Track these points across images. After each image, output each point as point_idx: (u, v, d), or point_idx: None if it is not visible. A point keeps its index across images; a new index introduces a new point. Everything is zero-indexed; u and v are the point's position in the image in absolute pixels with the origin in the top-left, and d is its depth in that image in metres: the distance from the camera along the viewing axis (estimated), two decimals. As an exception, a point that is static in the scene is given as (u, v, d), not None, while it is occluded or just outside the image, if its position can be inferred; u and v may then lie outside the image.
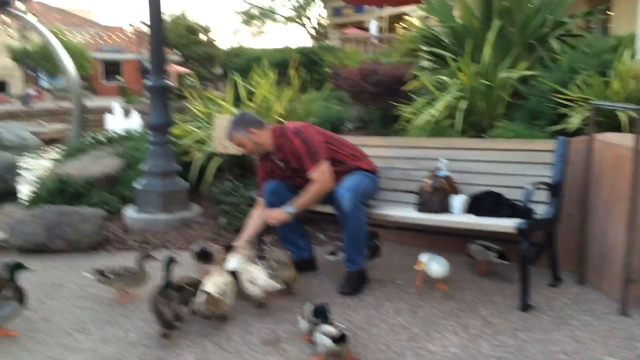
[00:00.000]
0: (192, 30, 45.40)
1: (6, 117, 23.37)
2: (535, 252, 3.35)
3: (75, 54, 34.93)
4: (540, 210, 3.31)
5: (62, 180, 5.05)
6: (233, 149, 5.05)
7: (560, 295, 3.37)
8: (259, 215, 3.66)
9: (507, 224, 3.09)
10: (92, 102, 32.12)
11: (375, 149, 4.10)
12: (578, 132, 3.99)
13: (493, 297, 3.36)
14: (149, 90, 4.89)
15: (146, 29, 36.60)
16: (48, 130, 17.32)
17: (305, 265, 3.80)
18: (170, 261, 2.99)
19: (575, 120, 3.92)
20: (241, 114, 3.66)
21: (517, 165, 3.57)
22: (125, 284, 3.33)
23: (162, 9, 4.81)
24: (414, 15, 6.85)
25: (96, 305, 3.32)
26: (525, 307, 3.14)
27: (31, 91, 31.59)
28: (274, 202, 3.62)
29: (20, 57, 31.81)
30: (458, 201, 3.49)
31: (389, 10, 19.41)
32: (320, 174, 3.41)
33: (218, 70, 35.54)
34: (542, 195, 3.35)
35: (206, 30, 45.62)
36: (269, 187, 3.65)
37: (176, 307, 2.83)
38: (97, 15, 52.53)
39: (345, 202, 3.31)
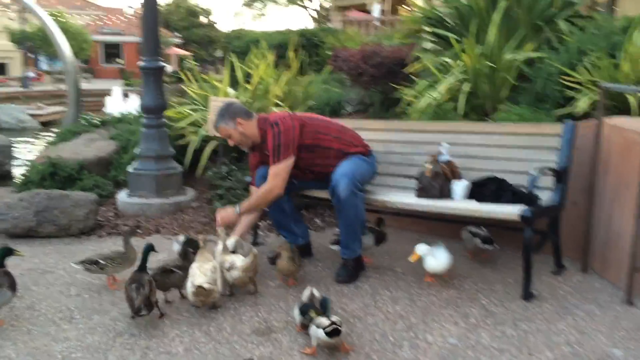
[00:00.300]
0: (193, 12, 45.13)
1: (5, 99, 23.23)
2: (538, 239, 3.22)
3: (75, 36, 34.75)
4: (545, 197, 3.18)
5: (54, 163, 4.93)
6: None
7: (563, 283, 3.26)
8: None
9: (510, 210, 2.97)
10: (92, 84, 32.06)
11: (375, 132, 3.97)
12: (585, 116, 3.85)
13: (494, 285, 3.24)
14: (142, 71, 4.74)
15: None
16: (46, 112, 17.13)
17: (301, 251, 3.68)
18: (149, 249, 2.97)
19: (583, 103, 3.78)
20: (227, 104, 3.50)
21: (521, 149, 3.43)
22: (118, 267, 3.23)
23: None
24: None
25: (84, 293, 3.22)
26: (528, 295, 3.03)
27: (30, 73, 31.36)
28: None
29: (19, 39, 31.53)
30: (459, 187, 3.36)
31: (392, -7, 19.09)
32: (273, 177, 3.29)
33: (218, 53, 35.27)
34: (547, 181, 3.23)
35: (207, 13, 45.33)
36: (260, 174, 3.53)
37: (148, 293, 2.73)
38: (99, -3, 51.89)
39: (341, 189, 3.19)
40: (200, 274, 2.85)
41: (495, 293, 3.14)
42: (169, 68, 35.25)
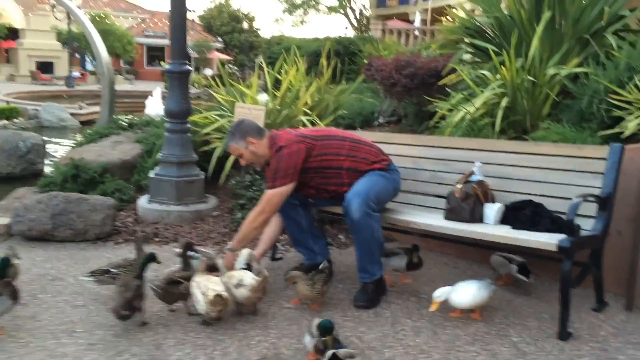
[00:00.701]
0: (235, 18, 45.61)
1: (49, 98, 23.82)
2: (578, 272, 2.94)
3: (120, 38, 35.61)
4: (586, 225, 2.90)
5: (76, 165, 4.86)
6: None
7: (604, 322, 2.96)
8: (273, 222, 3.45)
9: (548, 240, 2.70)
10: (135, 86, 32.69)
11: (403, 147, 3.75)
12: (632, 138, 3.55)
13: (527, 321, 2.97)
14: (168, 75, 4.63)
15: (189, 16, 36.91)
16: (85, 112, 17.42)
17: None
18: (150, 259, 2.89)
19: (632, 124, 3.47)
20: (239, 121, 3.31)
21: (562, 173, 3.15)
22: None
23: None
24: (458, 6, 6.39)
25: (90, 304, 3.08)
26: (565, 335, 2.74)
27: (75, 73, 32.16)
28: (284, 207, 3.33)
29: (66, 39, 32.37)
30: (492, 210, 3.11)
31: (434, 3, 18.82)
32: (265, 202, 3.12)
33: (260, 59, 35.52)
34: (589, 208, 2.94)
35: (249, 19, 45.73)
36: None
37: (130, 297, 2.71)
38: (145, 0, 53.09)
39: (353, 209, 2.98)
40: (212, 283, 2.76)
41: (528, 330, 2.86)
42: (209, 72, 35.73)
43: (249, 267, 3.27)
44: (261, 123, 4.74)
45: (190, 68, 4.68)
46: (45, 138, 8.00)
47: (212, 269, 2.95)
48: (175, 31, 4.57)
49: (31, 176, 6.53)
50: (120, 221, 4.53)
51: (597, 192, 2.97)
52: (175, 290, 2.89)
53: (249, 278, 2.86)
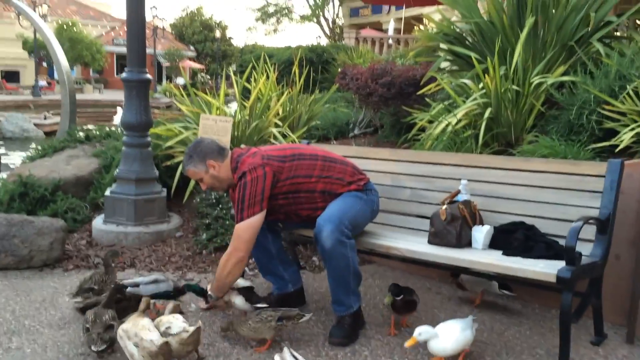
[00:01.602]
0: (208, 26, 45.11)
1: (15, 108, 23.03)
2: (578, 304, 2.64)
3: (89, 46, 34.81)
4: (583, 251, 2.61)
5: (25, 182, 4.43)
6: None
7: (605, 358, 2.67)
8: None
9: (544, 270, 2.40)
10: (104, 95, 31.97)
11: (381, 162, 3.44)
12: (624, 151, 3.30)
13: (521, 357, 2.66)
14: (125, 84, 4.25)
15: (160, 24, 36.32)
16: (49, 122, 16.79)
17: (290, 299, 3.15)
18: (119, 289, 2.71)
19: (627, 136, 3.22)
20: (197, 142, 2.93)
21: (555, 191, 2.87)
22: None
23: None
24: (437, 11, 6.14)
25: (27, 346, 2.68)
26: (564, 375, 2.45)
27: (42, 82, 31.30)
28: None
29: (32, 47, 31.50)
30: (481, 233, 2.81)
31: (408, 12, 18.68)
32: (234, 239, 2.75)
33: (233, 67, 35.10)
34: (585, 230, 2.66)
35: (222, 27, 45.27)
36: None
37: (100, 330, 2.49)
38: (115, 9, 52.28)
39: (324, 237, 2.65)
40: (144, 330, 2.33)
41: (523, 368, 2.57)
42: (181, 81, 35.16)
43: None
44: (228, 135, 4.40)
45: (149, 77, 4.31)
46: (5, 148, 7.51)
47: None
48: (132, 36, 4.21)
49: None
50: (72, 244, 4.12)
51: (594, 213, 2.70)
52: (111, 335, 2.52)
53: (179, 326, 2.41)
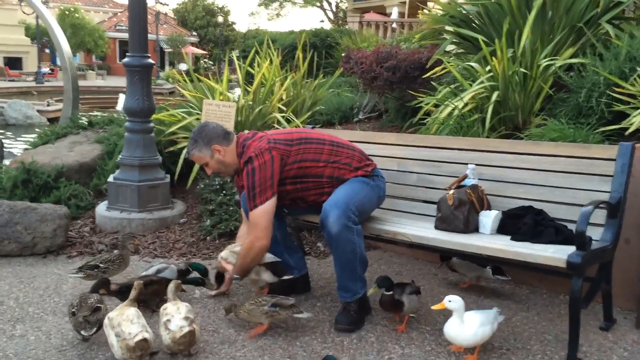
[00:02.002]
0: (210, 11, 44.81)
1: (18, 94, 23.00)
2: (587, 290, 2.60)
3: (91, 33, 34.68)
4: (593, 235, 2.57)
5: (28, 169, 4.40)
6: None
7: (615, 344, 2.63)
8: (246, 233, 3.06)
9: (554, 255, 2.36)
10: (107, 81, 31.87)
11: (387, 147, 3.39)
12: (634, 134, 3.25)
13: (529, 344, 2.63)
14: (127, 69, 4.20)
15: (162, 9, 36.10)
16: (52, 109, 16.75)
17: (296, 286, 3.12)
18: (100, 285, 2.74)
19: (637, 119, 3.16)
20: (202, 125, 2.88)
21: (564, 175, 2.82)
22: (117, 270, 3.12)
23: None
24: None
25: (31, 333, 2.66)
26: (573, 362, 2.41)
27: (45, 68, 31.21)
28: None
29: (35, 33, 31.38)
30: (489, 218, 2.76)
31: (412, -5, 18.47)
32: (252, 227, 2.73)
33: (236, 53, 34.87)
34: (595, 215, 2.61)
35: (224, 12, 44.97)
36: (245, 195, 3.00)
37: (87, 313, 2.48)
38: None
39: (330, 222, 2.61)
40: (128, 322, 2.28)
41: (532, 355, 2.52)
42: (183, 66, 35.00)
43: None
44: (232, 121, 4.35)
45: (151, 62, 4.25)
46: (8, 134, 7.48)
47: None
48: (134, 21, 4.14)
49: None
50: (75, 231, 4.10)
51: (604, 196, 2.65)
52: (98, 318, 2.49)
53: (176, 324, 2.35)
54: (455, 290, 3.26)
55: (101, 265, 3.03)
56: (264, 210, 2.68)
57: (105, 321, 2.37)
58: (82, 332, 2.45)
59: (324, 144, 2.83)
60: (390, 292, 2.66)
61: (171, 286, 2.59)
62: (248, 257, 2.76)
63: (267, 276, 2.89)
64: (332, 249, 2.72)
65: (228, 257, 2.93)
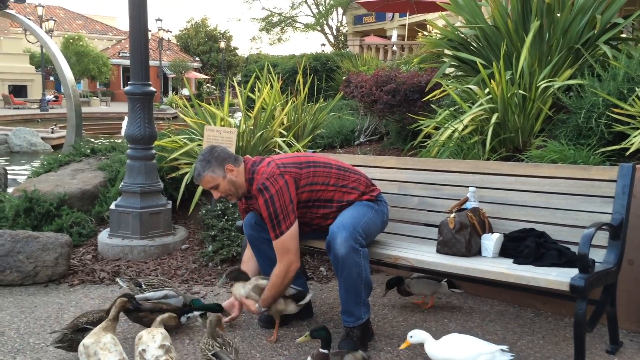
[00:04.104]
0: (212, 37, 45.37)
1: (23, 122, 23.16)
2: (592, 313, 2.58)
3: (95, 60, 35.07)
4: (597, 257, 2.55)
5: (30, 198, 4.41)
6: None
7: (622, 367, 2.60)
8: (250, 258, 3.11)
9: (557, 278, 2.34)
10: (111, 107, 32.14)
11: (387, 171, 3.40)
12: (635, 154, 3.25)
13: (534, 368, 2.60)
14: (128, 97, 4.23)
15: (165, 36, 36.55)
16: (56, 136, 16.85)
17: (298, 311, 3.10)
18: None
19: (637, 139, 3.16)
20: (210, 148, 2.87)
21: (565, 197, 2.81)
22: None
23: (146, 5, 4.16)
24: (440, 17, 6.10)
25: (31, 364, 2.64)
26: (579, 388, 2.38)
27: (49, 96, 31.50)
28: (255, 237, 2.99)
29: (39, 62, 31.75)
30: (491, 241, 2.75)
31: (411, 19, 18.68)
32: (284, 253, 2.72)
33: (238, 77, 35.17)
34: (599, 237, 2.60)
35: (226, 38, 45.52)
36: (248, 221, 3.00)
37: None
38: (121, 21, 52.69)
39: (337, 243, 2.61)
40: (105, 350, 2.23)
41: (537, 380, 2.50)
42: (186, 92, 35.30)
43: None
44: (233, 146, 4.38)
45: (153, 89, 4.29)
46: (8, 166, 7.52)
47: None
48: (135, 49, 4.19)
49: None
50: (77, 259, 4.10)
51: (606, 218, 2.64)
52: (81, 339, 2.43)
53: (152, 353, 2.25)
54: (461, 314, 3.23)
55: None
56: (292, 235, 2.70)
57: (80, 349, 2.29)
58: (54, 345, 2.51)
59: (331, 167, 2.86)
60: (326, 352, 2.38)
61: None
62: (283, 285, 2.76)
63: (293, 307, 2.90)
64: (337, 272, 2.70)
65: (249, 293, 2.87)
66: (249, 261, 3.13)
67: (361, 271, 2.66)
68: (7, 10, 8.26)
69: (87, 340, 2.31)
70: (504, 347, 2.40)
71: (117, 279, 3.42)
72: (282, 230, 2.69)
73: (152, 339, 2.32)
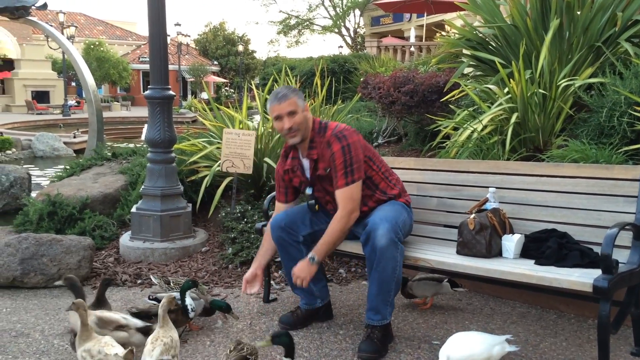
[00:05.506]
0: (230, 40, 45.66)
1: (45, 127, 23.56)
2: (616, 314, 2.54)
3: (115, 65, 35.52)
4: (620, 257, 2.51)
5: (53, 202, 4.49)
6: (243, 168, 4.42)
7: (647, 370, 2.56)
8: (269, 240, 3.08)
9: (580, 279, 2.31)
10: (131, 112, 32.51)
11: (407, 172, 3.38)
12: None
13: (557, 370, 2.57)
14: (148, 101, 4.28)
15: (184, 40, 36.88)
16: (78, 140, 17.10)
17: (318, 314, 3.11)
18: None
19: (661, 138, 3.11)
20: (288, 87, 2.90)
21: (587, 197, 2.78)
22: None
23: (165, 11, 4.21)
24: (458, 16, 6.07)
25: (56, 366, 2.69)
26: (605, 392, 2.34)
27: (71, 101, 31.99)
28: (284, 240, 3.00)
29: (61, 67, 32.27)
30: (511, 242, 2.73)
31: (429, 19, 18.60)
32: (348, 200, 2.74)
33: (256, 80, 35.39)
34: (622, 237, 2.56)
35: (245, 41, 45.77)
36: (277, 223, 2.99)
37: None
38: (141, 27, 53.37)
39: (379, 234, 2.60)
40: (109, 345, 2.23)
41: (560, 382, 2.47)
42: (205, 96, 35.59)
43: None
44: (252, 149, 4.40)
45: (172, 93, 4.34)
46: (33, 169, 7.65)
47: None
48: (155, 54, 4.24)
49: (14, 211, 6.15)
50: (99, 261, 4.15)
51: (630, 218, 2.59)
52: None
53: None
54: (482, 315, 3.20)
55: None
56: (359, 187, 2.76)
57: (83, 354, 2.24)
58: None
59: (382, 160, 2.96)
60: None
61: (164, 302, 2.40)
62: (342, 231, 2.75)
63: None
64: (372, 266, 2.67)
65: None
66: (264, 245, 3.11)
67: (396, 267, 2.66)
68: (30, 18, 8.42)
69: (88, 344, 2.27)
70: (509, 337, 2.44)
71: (151, 276, 3.62)
72: (354, 179, 2.73)
73: (151, 351, 2.26)
